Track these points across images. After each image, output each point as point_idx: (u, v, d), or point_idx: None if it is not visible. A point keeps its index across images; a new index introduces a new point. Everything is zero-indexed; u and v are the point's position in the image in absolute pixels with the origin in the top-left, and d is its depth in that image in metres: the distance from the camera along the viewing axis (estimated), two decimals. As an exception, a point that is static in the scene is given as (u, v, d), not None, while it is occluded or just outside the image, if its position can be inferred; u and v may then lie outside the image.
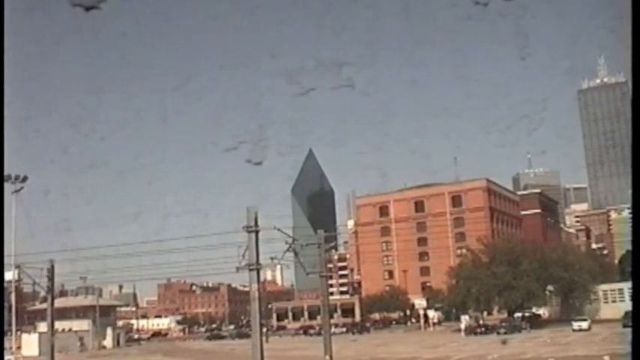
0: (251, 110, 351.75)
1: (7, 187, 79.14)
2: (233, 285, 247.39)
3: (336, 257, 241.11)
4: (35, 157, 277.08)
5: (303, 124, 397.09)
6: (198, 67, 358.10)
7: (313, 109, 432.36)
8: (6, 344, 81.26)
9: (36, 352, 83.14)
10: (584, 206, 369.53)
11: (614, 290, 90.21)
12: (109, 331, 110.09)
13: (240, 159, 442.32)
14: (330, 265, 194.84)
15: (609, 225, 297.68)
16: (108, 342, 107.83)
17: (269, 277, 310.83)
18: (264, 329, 59.52)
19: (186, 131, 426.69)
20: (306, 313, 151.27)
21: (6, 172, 74.53)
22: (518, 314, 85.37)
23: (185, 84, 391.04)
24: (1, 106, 42.59)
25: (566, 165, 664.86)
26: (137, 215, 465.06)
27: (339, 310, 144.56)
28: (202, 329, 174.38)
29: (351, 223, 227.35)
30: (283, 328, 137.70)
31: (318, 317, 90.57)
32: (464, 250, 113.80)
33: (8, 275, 71.11)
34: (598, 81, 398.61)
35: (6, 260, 56.42)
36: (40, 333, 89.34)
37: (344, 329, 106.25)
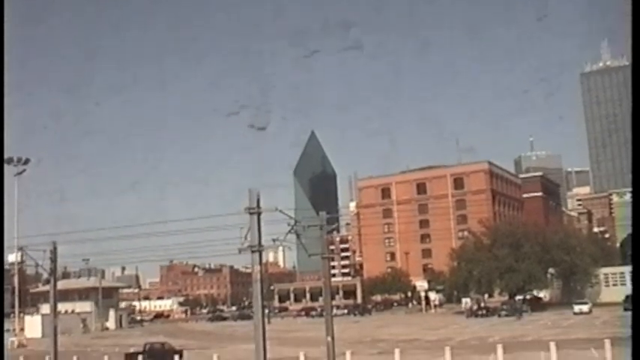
0: (253, 74, 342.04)
1: (9, 169, 79.08)
2: (235, 266, 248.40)
3: (338, 239, 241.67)
4: (28, 123, 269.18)
5: (307, 89, 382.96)
6: (197, 30, 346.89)
7: (318, 73, 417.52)
8: (9, 326, 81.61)
9: (39, 334, 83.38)
10: (586, 189, 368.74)
11: (615, 274, 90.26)
12: (112, 312, 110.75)
13: (242, 124, 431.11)
14: (332, 247, 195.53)
15: (611, 208, 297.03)
16: (110, 323, 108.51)
17: (271, 258, 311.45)
18: (266, 311, 59.67)
19: (185, 96, 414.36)
20: (307, 295, 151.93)
21: (6, 156, 74.44)
22: (519, 297, 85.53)
23: (184, 47, 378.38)
24: (1, 86, 42.43)
25: (568, 147, 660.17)
26: (134, 184, 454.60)
27: (340, 292, 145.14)
28: (204, 311, 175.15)
29: (353, 205, 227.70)
30: (285, 309, 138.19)
31: (320, 299, 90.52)
32: (465, 233, 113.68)
33: (11, 257, 71.24)
34: (601, 64, 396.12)
35: (9, 243, 56.50)
36: (43, 315, 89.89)
37: (345, 311, 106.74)
